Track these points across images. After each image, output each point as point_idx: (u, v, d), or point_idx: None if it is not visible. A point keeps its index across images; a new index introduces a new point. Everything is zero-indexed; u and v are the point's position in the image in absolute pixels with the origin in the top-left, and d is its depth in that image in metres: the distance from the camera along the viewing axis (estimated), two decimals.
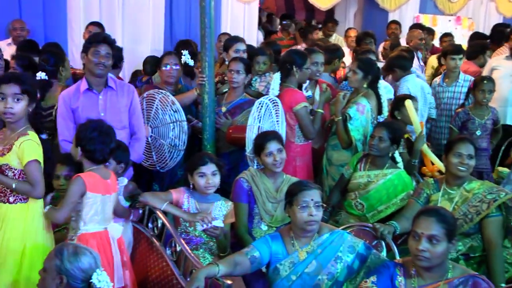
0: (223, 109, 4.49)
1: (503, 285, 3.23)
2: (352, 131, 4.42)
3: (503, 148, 5.90)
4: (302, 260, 2.84)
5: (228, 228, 3.49)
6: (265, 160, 3.64)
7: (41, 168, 2.91)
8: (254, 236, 3.59)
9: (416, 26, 8.19)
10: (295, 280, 2.81)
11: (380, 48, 7.37)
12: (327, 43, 7.00)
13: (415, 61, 6.38)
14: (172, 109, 4.24)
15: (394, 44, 6.86)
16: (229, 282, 2.61)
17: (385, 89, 5.01)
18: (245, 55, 5.00)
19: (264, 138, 3.70)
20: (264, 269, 2.97)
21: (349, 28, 8.76)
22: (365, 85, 4.54)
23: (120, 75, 5.50)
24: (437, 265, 2.55)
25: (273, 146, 3.63)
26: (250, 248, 2.85)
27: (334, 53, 5.72)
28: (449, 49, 5.94)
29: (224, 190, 3.70)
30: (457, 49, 5.91)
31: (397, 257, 3.17)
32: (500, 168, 5.14)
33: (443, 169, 4.19)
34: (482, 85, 5.06)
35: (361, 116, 4.45)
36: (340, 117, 4.43)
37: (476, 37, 7.46)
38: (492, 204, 3.41)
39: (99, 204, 2.94)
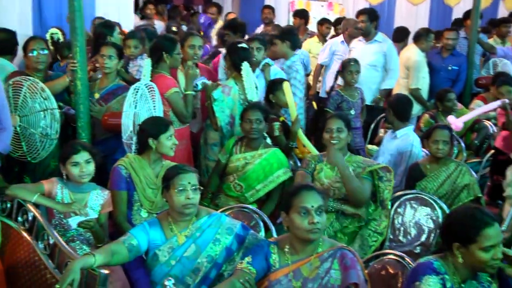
0: (96, 95, 4.33)
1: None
2: (217, 113, 4.49)
3: (372, 127, 6.25)
4: (181, 244, 2.82)
5: (105, 218, 3.39)
6: (166, 143, 3.57)
7: None
8: (134, 223, 3.51)
9: (299, 12, 8.45)
10: (174, 265, 2.79)
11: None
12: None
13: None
14: (42, 97, 4.01)
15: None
16: (106, 271, 2.52)
17: (278, 74, 5.18)
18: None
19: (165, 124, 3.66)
20: (144, 257, 2.92)
21: (229, 13, 8.81)
22: (230, 67, 4.64)
23: None
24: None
25: (171, 130, 3.61)
26: (127, 236, 2.78)
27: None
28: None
29: (102, 179, 3.59)
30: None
31: (275, 236, 3.26)
32: (370, 146, 5.44)
33: (313, 151, 4.38)
34: (349, 66, 5.32)
35: (226, 98, 4.52)
36: (209, 101, 4.49)
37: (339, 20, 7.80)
38: (366, 169, 3.69)
39: None
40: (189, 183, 2.81)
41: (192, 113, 4.56)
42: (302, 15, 8.28)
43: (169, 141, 3.57)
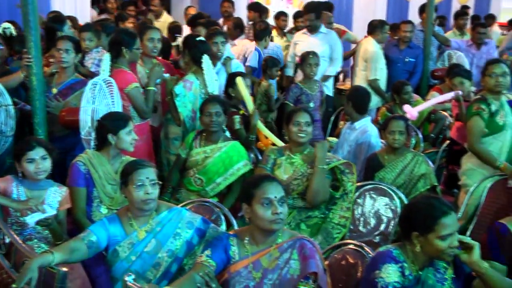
0: (54, 90, 4.26)
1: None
2: (179, 108, 4.46)
3: (332, 118, 6.31)
4: (142, 239, 2.80)
5: (64, 215, 3.34)
6: (125, 138, 3.52)
7: None
8: (94, 220, 3.45)
9: (253, 6, 8.44)
10: (134, 260, 2.77)
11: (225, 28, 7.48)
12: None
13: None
14: None
15: (236, 23, 6.98)
16: (64, 269, 2.49)
17: (239, 68, 5.27)
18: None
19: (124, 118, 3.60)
20: (104, 253, 2.89)
21: (188, 6, 8.74)
22: (189, 62, 4.61)
23: None
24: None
25: (131, 125, 3.57)
26: (86, 232, 2.74)
27: None
28: None
29: (61, 175, 3.53)
30: None
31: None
32: (330, 138, 5.47)
33: (277, 142, 4.39)
34: (308, 59, 5.34)
35: (188, 92, 4.50)
36: (170, 97, 4.46)
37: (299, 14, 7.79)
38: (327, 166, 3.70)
39: None
40: (148, 178, 2.79)
41: (152, 108, 4.53)
42: (256, 8, 8.31)
43: (128, 137, 3.53)
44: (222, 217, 3.47)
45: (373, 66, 6.70)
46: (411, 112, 5.17)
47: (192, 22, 6.55)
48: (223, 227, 3.40)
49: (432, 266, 2.54)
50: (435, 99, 5.54)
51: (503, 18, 12.42)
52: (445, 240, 2.43)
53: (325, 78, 6.35)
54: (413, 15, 9.89)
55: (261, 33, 6.45)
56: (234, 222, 3.48)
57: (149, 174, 2.81)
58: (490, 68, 4.16)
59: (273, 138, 4.57)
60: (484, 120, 4.09)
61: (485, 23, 8.43)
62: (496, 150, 4.13)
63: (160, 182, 2.89)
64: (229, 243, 2.67)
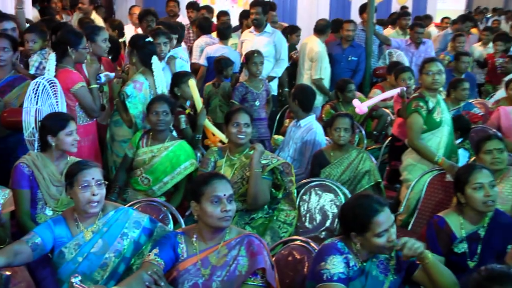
0: None
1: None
2: (130, 109, 4.41)
3: (278, 117, 6.37)
4: (88, 240, 2.75)
5: (7, 217, 3.24)
6: (65, 139, 3.44)
7: None
8: (39, 222, 3.37)
9: (192, 4, 8.42)
10: (81, 262, 2.72)
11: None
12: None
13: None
14: None
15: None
16: (8, 273, 2.42)
17: (183, 67, 5.29)
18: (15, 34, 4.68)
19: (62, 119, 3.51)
20: (50, 255, 2.83)
21: (133, 6, 8.60)
22: (137, 62, 4.58)
23: None
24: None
25: (72, 126, 3.48)
26: (31, 235, 2.68)
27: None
28: None
29: (3, 177, 3.45)
30: None
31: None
32: (276, 136, 5.52)
33: (224, 139, 4.40)
34: (253, 58, 5.36)
35: (139, 93, 4.45)
36: (118, 98, 4.42)
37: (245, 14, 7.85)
38: (265, 168, 3.68)
39: None
40: (93, 178, 2.75)
41: (100, 106, 4.46)
42: (195, 8, 8.32)
43: (69, 138, 3.46)
44: (170, 216, 3.45)
45: (318, 66, 6.81)
46: (361, 107, 5.27)
47: (141, 17, 6.54)
48: (171, 225, 3.38)
49: (376, 257, 2.61)
50: (382, 94, 5.66)
51: (438, 19, 12.83)
52: (382, 236, 2.48)
53: (270, 79, 6.39)
54: (355, 15, 10.08)
55: (226, 31, 6.46)
56: (181, 220, 3.47)
57: (94, 174, 2.77)
58: (426, 67, 4.29)
59: (220, 135, 4.57)
60: (423, 117, 4.21)
61: (423, 23, 8.68)
62: (434, 145, 4.25)
63: (106, 182, 2.85)
64: (177, 241, 2.66)
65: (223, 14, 7.99)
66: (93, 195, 2.72)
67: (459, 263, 3.03)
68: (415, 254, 2.48)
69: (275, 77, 6.52)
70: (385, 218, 2.50)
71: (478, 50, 8.86)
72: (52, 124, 3.45)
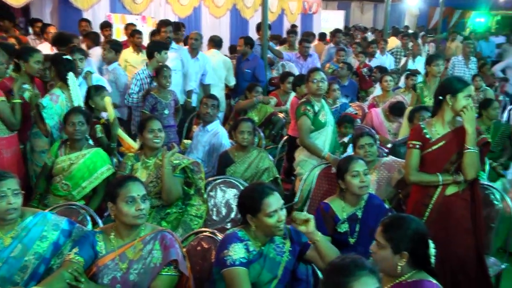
0: None
1: None
2: (46, 119, 4.28)
3: (186, 124, 6.35)
4: (7, 245, 2.60)
5: None
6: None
7: None
8: None
9: (106, 24, 8.23)
10: (1, 266, 2.56)
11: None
12: None
13: None
14: None
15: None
16: None
17: (99, 81, 5.18)
18: None
19: None
20: None
21: (48, 25, 8.22)
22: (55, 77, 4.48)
23: None
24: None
25: None
26: None
27: None
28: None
29: None
30: None
31: None
32: (185, 141, 5.50)
33: (135, 146, 4.35)
34: (163, 72, 5.29)
35: (55, 105, 4.33)
36: (35, 110, 4.28)
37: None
38: (178, 167, 3.70)
39: None
40: (9, 188, 2.59)
41: (20, 120, 4.28)
42: (108, 26, 8.17)
43: None
44: (88, 218, 3.34)
45: (231, 76, 7.09)
46: None
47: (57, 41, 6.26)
48: (90, 226, 3.28)
49: (272, 242, 2.67)
50: None
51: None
52: (272, 216, 2.55)
53: (189, 93, 6.49)
54: (252, 32, 10.27)
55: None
56: (100, 221, 3.38)
57: (10, 185, 2.60)
58: (312, 75, 4.43)
59: (132, 143, 4.53)
60: (310, 119, 4.35)
61: (309, 39, 8.99)
62: (321, 143, 4.39)
63: (23, 192, 2.71)
64: (95, 239, 2.60)
65: (137, 32, 7.81)
66: (9, 203, 2.58)
67: (342, 241, 3.18)
68: (304, 221, 2.57)
69: (192, 91, 6.56)
70: (274, 200, 2.57)
71: (353, 61, 9.30)
72: None
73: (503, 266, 3.61)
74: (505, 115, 7.25)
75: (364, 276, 1.80)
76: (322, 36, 12.25)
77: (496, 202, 3.74)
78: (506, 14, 21.25)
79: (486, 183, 3.91)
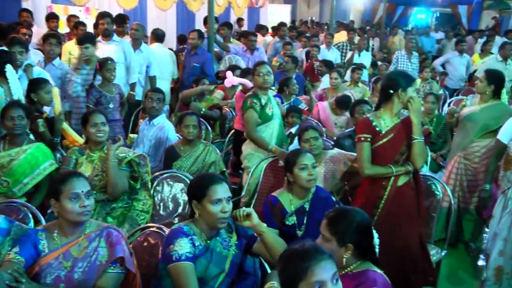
0: None
1: None
2: None
3: (132, 118, 6.24)
4: None
5: None
6: None
7: None
8: None
9: (52, 15, 7.94)
10: None
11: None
12: None
13: None
14: None
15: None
16: None
17: (41, 74, 4.96)
18: None
19: None
20: None
21: None
22: None
23: None
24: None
25: None
26: None
27: None
28: None
29: None
30: None
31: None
32: (131, 135, 5.40)
33: (80, 140, 4.24)
34: (107, 65, 5.20)
35: None
36: None
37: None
38: (123, 160, 3.65)
39: None
40: None
41: None
42: (54, 18, 7.92)
43: None
44: (30, 215, 3.23)
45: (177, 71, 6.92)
46: (233, 80, 5.43)
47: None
48: (31, 224, 3.17)
49: (219, 236, 2.66)
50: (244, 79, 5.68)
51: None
52: (216, 204, 2.53)
53: (132, 86, 6.36)
54: (200, 25, 10.15)
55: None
56: (42, 219, 3.27)
57: None
58: (258, 69, 4.44)
59: (76, 137, 4.42)
60: (257, 112, 4.35)
61: (255, 33, 8.98)
62: (268, 136, 4.41)
63: None
64: (38, 238, 2.51)
65: (79, 24, 7.57)
66: None
67: (290, 233, 3.20)
68: (246, 216, 2.59)
69: (135, 83, 6.44)
70: (221, 189, 2.56)
71: (299, 54, 9.39)
72: None
73: (443, 254, 3.76)
74: (445, 108, 7.52)
75: (324, 260, 1.84)
76: (261, 28, 12.30)
77: (437, 193, 3.89)
78: (444, 11, 22.16)
79: (428, 173, 4.04)
